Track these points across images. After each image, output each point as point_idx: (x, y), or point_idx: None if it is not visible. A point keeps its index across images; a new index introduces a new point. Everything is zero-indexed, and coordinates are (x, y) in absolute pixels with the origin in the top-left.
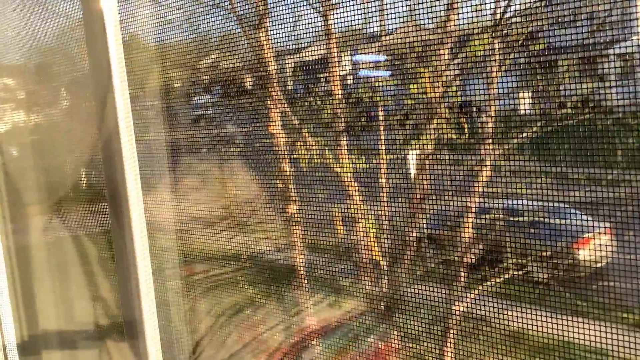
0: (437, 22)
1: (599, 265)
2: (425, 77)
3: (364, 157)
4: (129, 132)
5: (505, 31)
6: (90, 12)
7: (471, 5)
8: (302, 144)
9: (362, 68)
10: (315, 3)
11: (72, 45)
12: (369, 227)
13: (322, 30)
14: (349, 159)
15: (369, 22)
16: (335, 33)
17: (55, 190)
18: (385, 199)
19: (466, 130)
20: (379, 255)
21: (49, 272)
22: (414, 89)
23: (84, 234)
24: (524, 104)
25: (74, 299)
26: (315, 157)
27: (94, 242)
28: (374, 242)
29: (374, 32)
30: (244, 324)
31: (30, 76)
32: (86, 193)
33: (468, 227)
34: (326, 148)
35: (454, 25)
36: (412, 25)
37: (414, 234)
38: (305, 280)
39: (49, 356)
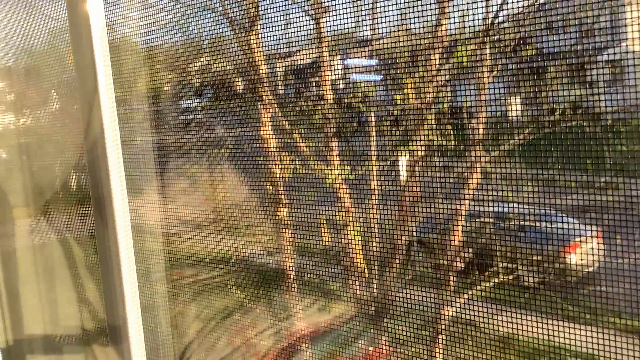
0: (428, 27)
1: (588, 269)
2: (415, 82)
3: (349, 165)
4: (114, 135)
5: (496, 37)
6: (76, 15)
7: (460, 11)
8: (289, 152)
9: (353, 72)
10: (307, 6)
11: (61, 47)
12: (355, 233)
13: (313, 34)
14: (339, 163)
15: (361, 26)
16: (327, 37)
17: (42, 192)
18: (375, 203)
19: (456, 135)
20: (362, 261)
21: (35, 275)
22: (404, 93)
23: (71, 237)
24: (514, 109)
25: (60, 302)
26: (307, 160)
27: (80, 245)
28: (357, 246)
29: (365, 36)
30: (231, 328)
31: (18, 78)
32: (73, 195)
33: (458, 232)
34: (316, 153)
35: (445, 30)
36: (403, 30)
37: (404, 239)
38: (295, 284)
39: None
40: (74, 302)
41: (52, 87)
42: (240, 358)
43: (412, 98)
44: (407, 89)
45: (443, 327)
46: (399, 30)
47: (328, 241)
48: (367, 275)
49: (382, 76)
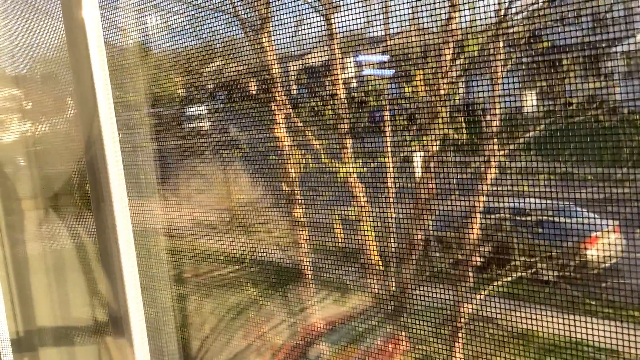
0: (440, 23)
1: (607, 263)
2: (428, 78)
3: (361, 161)
4: (112, 136)
5: (509, 30)
6: (72, 22)
7: (470, 4)
8: (303, 151)
9: (366, 67)
10: (317, 4)
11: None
12: (369, 229)
13: (325, 32)
14: (354, 161)
15: (372, 24)
16: (339, 34)
17: (50, 188)
18: (391, 200)
19: (471, 130)
20: (377, 257)
21: (45, 268)
22: (417, 89)
23: (80, 230)
24: (529, 102)
25: (69, 295)
26: (320, 160)
27: (90, 238)
28: (372, 243)
29: (377, 33)
30: (240, 325)
31: (30, 85)
32: (78, 193)
33: (475, 228)
34: (331, 151)
35: (456, 25)
36: (414, 26)
37: (421, 235)
38: (312, 282)
39: (44, 352)
40: (83, 295)
41: (64, 94)
42: (249, 352)
43: (426, 94)
44: (421, 84)
45: (462, 324)
46: (410, 25)
47: (345, 239)
48: (384, 272)
49: (395, 72)
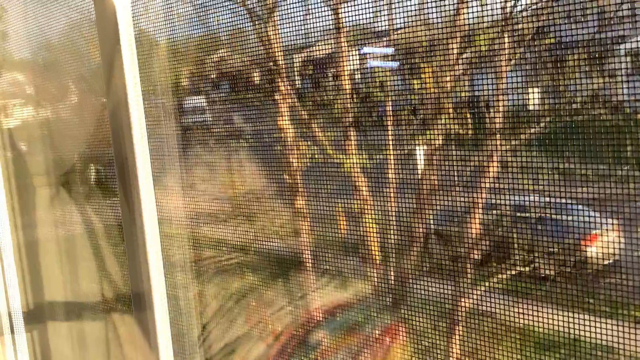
0: (447, 17)
1: (607, 261)
2: (432, 72)
3: (366, 154)
4: (139, 119)
5: (515, 26)
6: (103, 8)
7: (482, 0)
8: (307, 142)
9: (371, 60)
10: None
11: (81, 41)
12: (371, 222)
13: (332, 24)
14: (357, 153)
15: (379, 16)
16: (345, 27)
17: (62, 166)
18: (392, 194)
19: (474, 125)
20: (376, 251)
21: (57, 245)
22: (421, 84)
23: (93, 206)
24: (533, 99)
25: (81, 271)
26: (324, 151)
27: (101, 215)
28: (373, 236)
29: (383, 26)
30: (250, 308)
31: (39, 71)
32: (91, 167)
33: (475, 223)
34: (334, 143)
35: (463, 19)
36: (421, 20)
37: (421, 229)
38: (312, 273)
39: (54, 325)
40: (95, 270)
41: (72, 81)
42: (261, 331)
43: (430, 88)
44: (425, 78)
45: (460, 318)
46: (417, 19)
47: (345, 231)
48: (383, 265)
49: (400, 65)
